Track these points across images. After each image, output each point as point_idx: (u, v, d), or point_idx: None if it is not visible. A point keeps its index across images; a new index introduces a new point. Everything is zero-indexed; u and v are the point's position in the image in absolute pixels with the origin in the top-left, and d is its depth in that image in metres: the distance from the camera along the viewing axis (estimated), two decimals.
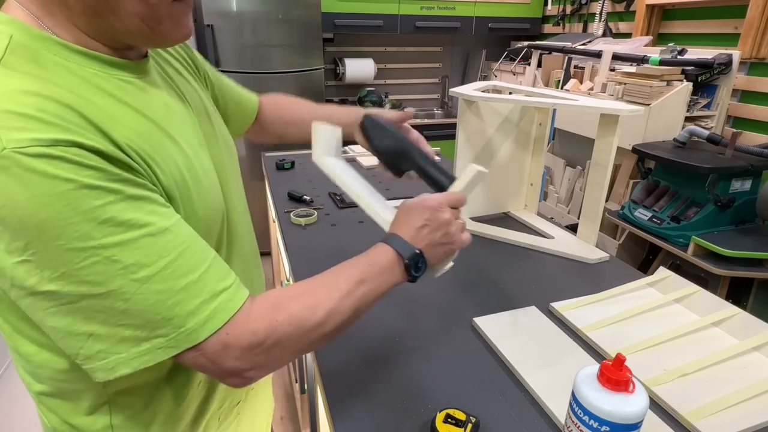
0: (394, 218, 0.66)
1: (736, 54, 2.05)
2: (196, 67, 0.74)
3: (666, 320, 0.91)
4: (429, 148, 0.80)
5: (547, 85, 2.94)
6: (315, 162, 0.83)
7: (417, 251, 0.60)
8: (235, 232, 0.66)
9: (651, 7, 2.50)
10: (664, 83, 2.08)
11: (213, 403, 0.67)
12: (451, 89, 1.29)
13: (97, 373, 0.45)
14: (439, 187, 0.72)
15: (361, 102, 3.45)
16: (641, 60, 2.26)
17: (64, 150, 0.39)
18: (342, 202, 1.47)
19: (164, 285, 0.44)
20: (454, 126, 2.03)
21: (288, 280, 1.01)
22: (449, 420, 0.64)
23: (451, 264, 0.68)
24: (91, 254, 0.40)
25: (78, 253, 0.40)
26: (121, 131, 0.45)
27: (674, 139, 2.03)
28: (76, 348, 0.44)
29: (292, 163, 1.90)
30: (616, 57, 2.38)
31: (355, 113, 0.85)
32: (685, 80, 2.09)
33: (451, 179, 0.71)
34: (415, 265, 0.60)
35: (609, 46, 2.50)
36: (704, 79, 2.08)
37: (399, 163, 0.78)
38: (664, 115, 2.08)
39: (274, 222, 1.54)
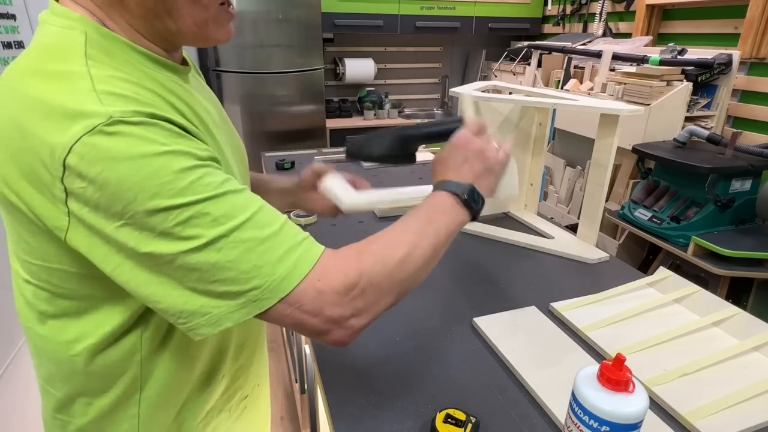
0: (433, 171, 0.67)
1: (736, 54, 2.05)
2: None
3: (666, 320, 0.91)
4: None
5: (547, 85, 2.94)
6: (350, 210, 0.81)
7: (469, 186, 0.62)
8: None
9: (651, 7, 2.50)
10: (664, 83, 2.08)
11: (226, 395, 0.69)
12: (451, 89, 1.29)
13: (201, 328, 0.47)
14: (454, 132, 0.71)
15: (361, 102, 3.45)
16: (641, 60, 2.26)
17: (159, 122, 0.45)
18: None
19: (251, 234, 0.46)
20: None
21: None
22: (449, 420, 0.64)
23: (516, 190, 0.69)
24: (184, 210, 0.44)
25: (173, 210, 0.43)
26: (191, 120, 0.51)
27: (674, 139, 2.03)
28: (179, 306, 0.46)
29: (292, 163, 1.90)
30: (616, 57, 2.38)
31: (294, 178, 0.87)
32: (685, 80, 2.09)
33: (459, 119, 0.71)
34: (472, 198, 0.61)
35: (609, 46, 2.50)
36: (704, 79, 2.08)
37: (407, 149, 0.77)
38: (664, 115, 2.08)
39: None
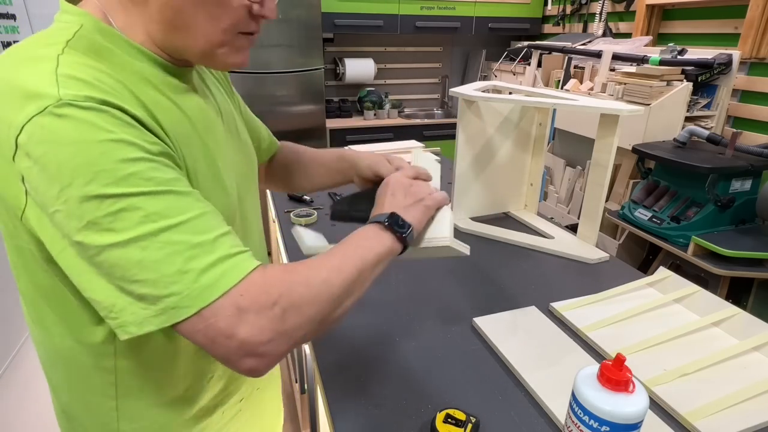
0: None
1: (736, 54, 2.05)
2: (231, 89, 0.80)
3: (666, 320, 0.91)
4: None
5: (547, 85, 2.94)
6: (310, 253, 0.77)
7: (391, 212, 0.62)
8: (248, 238, 0.68)
9: (651, 7, 2.50)
10: (664, 83, 2.08)
11: (217, 397, 0.67)
12: (451, 89, 1.29)
13: (129, 327, 0.45)
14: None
15: (361, 102, 3.45)
16: (641, 60, 2.26)
17: (111, 110, 0.44)
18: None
19: (181, 237, 0.44)
20: (454, 126, 2.03)
21: None
22: (449, 420, 0.64)
23: (466, 248, 0.68)
24: (116, 200, 0.43)
25: (105, 199, 0.42)
26: (161, 116, 0.50)
27: (674, 139, 2.03)
28: (108, 300, 0.45)
29: None
30: (616, 57, 2.38)
31: (345, 163, 0.88)
32: (685, 80, 2.09)
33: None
34: (395, 223, 0.61)
35: (609, 46, 2.50)
36: (704, 79, 2.08)
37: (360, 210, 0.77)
38: (664, 115, 2.08)
39: (274, 222, 1.54)
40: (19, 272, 0.54)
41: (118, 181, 0.43)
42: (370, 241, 0.58)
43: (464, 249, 0.68)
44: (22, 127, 0.42)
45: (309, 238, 0.78)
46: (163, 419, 0.62)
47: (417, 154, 0.87)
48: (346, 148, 2.10)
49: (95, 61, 0.48)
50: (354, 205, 0.78)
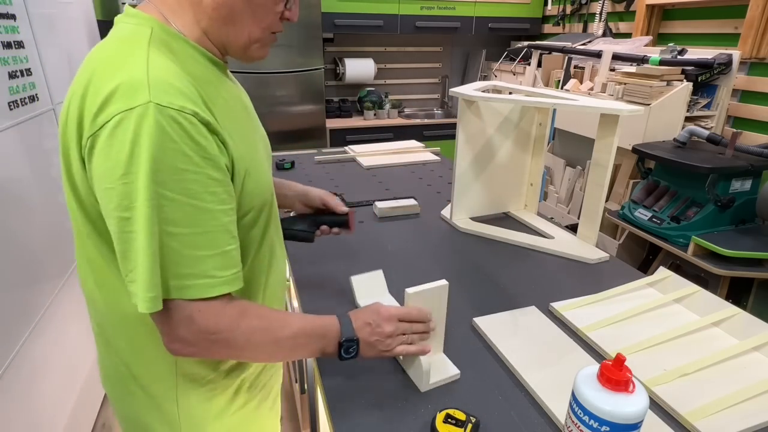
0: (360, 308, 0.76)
1: (736, 54, 2.05)
2: None
3: (666, 320, 0.91)
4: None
5: (547, 85, 2.94)
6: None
7: (355, 338, 0.68)
8: (274, 213, 0.78)
9: (651, 7, 2.50)
10: (664, 83, 2.08)
11: (252, 375, 0.77)
12: (451, 89, 1.29)
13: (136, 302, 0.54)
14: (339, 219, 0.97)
15: (361, 102, 3.45)
16: (641, 60, 2.26)
17: (186, 116, 0.53)
18: (342, 201, 1.47)
19: (178, 245, 0.54)
20: (454, 126, 2.03)
21: (288, 280, 1.02)
22: (449, 420, 0.64)
23: (423, 383, 0.73)
24: (149, 197, 0.51)
25: (143, 191, 0.51)
26: (217, 111, 0.58)
27: (674, 139, 2.03)
28: (124, 273, 0.55)
29: (292, 163, 1.90)
30: (616, 57, 2.38)
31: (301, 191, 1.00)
32: (685, 80, 2.08)
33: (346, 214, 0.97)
34: (347, 348, 0.67)
35: (609, 46, 2.50)
36: (704, 79, 2.08)
37: (313, 230, 0.97)
38: (664, 115, 2.08)
39: None
40: (91, 239, 0.61)
41: (161, 181, 0.51)
42: (320, 340, 0.67)
43: (422, 383, 0.73)
44: (117, 115, 0.50)
45: (360, 292, 0.96)
46: (214, 383, 0.71)
47: (411, 297, 0.75)
48: (346, 147, 2.11)
49: (174, 61, 0.56)
50: (295, 225, 0.96)
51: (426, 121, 3.45)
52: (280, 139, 2.97)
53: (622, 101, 2.14)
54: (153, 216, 0.52)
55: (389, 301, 0.94)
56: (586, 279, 1.07)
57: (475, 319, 0.89)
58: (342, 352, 0.67)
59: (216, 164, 0.56)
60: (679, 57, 2.15)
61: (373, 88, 3.52)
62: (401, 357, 0.77)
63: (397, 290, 0.97)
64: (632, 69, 2.24)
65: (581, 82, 2.60)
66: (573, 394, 0.56)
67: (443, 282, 0.73)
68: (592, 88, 2.48)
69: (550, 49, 2.89)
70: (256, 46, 0.65)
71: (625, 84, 2.21)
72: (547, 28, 3.44)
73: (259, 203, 0.68)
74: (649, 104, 2.06)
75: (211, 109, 0.57)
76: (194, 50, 0.61)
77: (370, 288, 0.96)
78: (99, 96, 0.52)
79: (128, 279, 0.54)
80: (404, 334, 0.71)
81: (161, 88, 0.52)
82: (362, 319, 0.69)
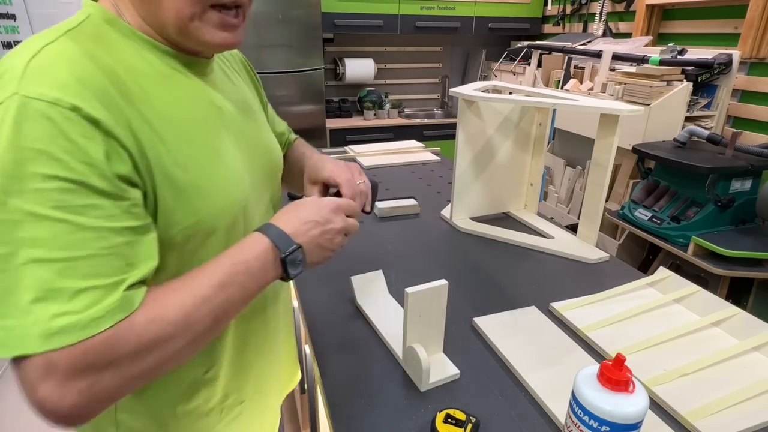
0: (279, 210, 0.61)
1: (736, 54, 2.05)
2: (256, 83, 0.80)
3: (666, 320, 0.91)
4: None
5: (547, 85, 2.94)
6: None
7: (297, 245, 0.55)
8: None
9: (651, 7, 2.50)
10: (664, 83, 2.08)
11: (217, 395, 0.66)
12: (451, 89, 1.29)
13: None
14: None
15: (361, 102, 3.45)
16: (641, 60, 2.26)
17: (61, 111, 0.42)
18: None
19: (43, 274, 0.41)
20: (454, 126, 2.03)
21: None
22: (449, 420, 0.64)
23: (423, 382, 0.72)
24: (5, 210, 0.41)
25: (1, 203, 0.41)
26: (143, 108, 0.49)
27: (674, 139, 2.03)
28: None
29: None
30: (616, 57, 2.38)
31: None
32: (685, 80, 2.09)
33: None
34: (293, 261, 0.55)
35: (609, 46, 2.50)
36: (704, 79, 2.08)
37: None
38: (664, 115, 2.08)
39: None
40: None
41: (18, 191, 0.40)
42: (250, 276, 0.52)
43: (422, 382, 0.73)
44: None
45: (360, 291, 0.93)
46: (161, 414, 0.62)
47: (411, 297, 0.72)
48: (346, 147, 2.11)
49: (88, 51, 0.47)
50: None
51: (426, 121, 3.45)
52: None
53: (622, 101, 2.14)
54: (12, 238, 0.40)
55: (389, 301, 0.94)
56: (586, 279, 1.07)
57: (475, 319, 0.89)
58: (288, 270, 0.54)
59: (101, 172, 0.44)
60: (679, 57, 2.15)
61: (373, 88, 3.52)
62: (401, 357, 0.77)
63: (397, 290, 0.97)
64: (632, 69, 2.24)
65: (581, 82, 2.60)
66: (573, 394, 0.56)
67: (443, 282, 0.73)
68: (592, 88, 2.48)
69: (550, 49, 2.89)
70: (195, 26, 0.52)
71: (625, 84, 2.21)
72: (547, 28, 3.44)
73: (223, 224, 0.57)
74: (649, 104, 2.06)
75: (129, 110, 0.48)
76: (142, 42, 0.52)
77: (370, 288, 0.96)
78: None
79: None
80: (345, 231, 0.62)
81: (35, 78, 0.43)
82: (299, 218, 0.58)
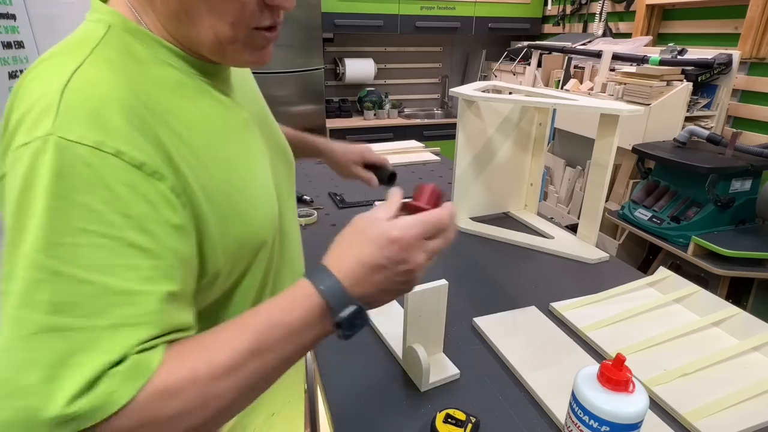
0: (338, 239, 0.47)
1: (736, 54, 2.05)
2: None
3: (666, 320, 0.91)
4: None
5: (547, 85, 2.94)
6: None
7: (356, 307, 0.43)
8: (287, 245, 0.64)
9: (651, 7, 2.50)
10: (664, 83, 2.08)
11: (258, 415, 0.64)
12: (451, 89, 1.29)
13: None
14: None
15: (361, 102, 3.45)
16: (641, 60, 2.26)
17: (104, 156, 0.38)
18: (342, 201, 1.47)
19: (68, 345, 0.35)
20: (454, 126, 2.03)
21: None
22: (449, 420, 0.64)
23: (423, 383, 0.72)
24: (30, 269, 0.36)
25: (23, 261, 0.36)
26: (176, 126, 0.45)
27: (674, 139, 2.03)
28: None
29: None
30: (616, 57, 2.38)
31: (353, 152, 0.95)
32: (685, 80, 2.09)
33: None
34: (350, 323, 0.43)
35: (609, 46, 2.50)
36: (704, 79, 2.08)
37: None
38: (664, 115, 2.08)
39: None
40: None
41: (55, 246, 0.36)
42: (292, 338, 0.42)
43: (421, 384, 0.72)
44: (15, 151, 0.38)
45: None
46: None
47: (411, 297, 0.69)
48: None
49: (123, 66, 0.44)
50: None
51: (426, 121, 3.45)
52: None
53: (622, 101, 2.14)
54: (31, 299, 0.35)
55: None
56: (586, 279, 1.07)
57: (475, 319, 0.89)
58: (344, 332, 0.44)
59: (141, 227, 0.39)
60: (679, 57, 2.15)
61: (373, 88, 3.52)
62: (401, 357, 0.77)
63: None
64: (632, 69, 2.24)
65: (581, 82, 2.60)
66: (573, 394, 0.56)
67: (443, 282, 0.73)
68: (592, 88, 2.48)
69: (550, 49, 2.89)
70: (234, 48, 0.48)
71: (625, 84, 2.21)
72: (547, 28, 3.44)
73: (256, 245, 0.52)
74: (649, 104, 2.06)
75: (167, 138, 0.43)
76: (165, 50, 0.48)
77: None
78: (10, 123, 0.40)
79: None
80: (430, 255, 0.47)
81: (73, 114, 0.38)
82: (362, 261, 0.43)
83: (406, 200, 0.49)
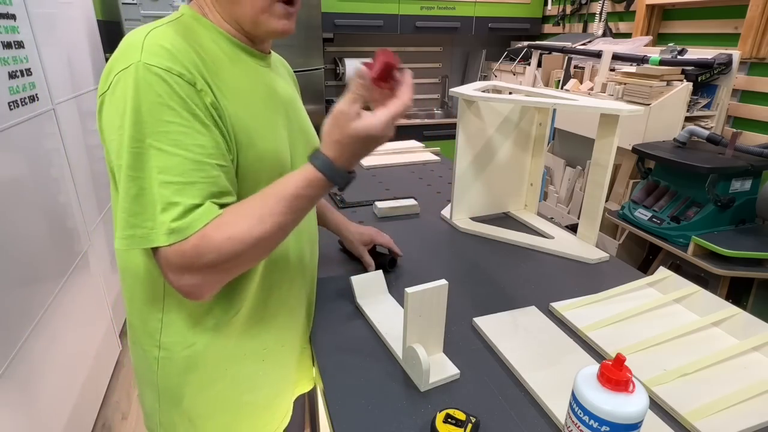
0: (327, 126, 0.62)
1: (736, 54, 2.05)
2: (300, 94, 0.92)
3: (666, 320, 0.91)
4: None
5: (547, 85, 2.94)
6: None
7: (348, 173, 0.62)
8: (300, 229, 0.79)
9: (651, 7, 2.50)
10: (664, 83, 2.08)
11: (245, 336, 0.76)
12: (451, 89, 1.29)
13: (117, 240, 0.59)
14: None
15: None
16: (641, 60, 2.26)
17: (171, 76, 0.58)
18: (342, 202, 1.47)
19: (166, 192, 0.57)
20: (454, 126, 2.03)
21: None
22: (449, 420, 0.64)
23: (424, 383, 0.74)
24: (132, 145, 0.57)
25: (127, 140, 0.57)
26: (220, 82, 0.64)
27: (674, 139, 2.03)
28: (115, 214, 0.60)
29: None
30: (616, 57, 2.38)
31: (365, 235, 1.09)
32: (685, 80, 2.09)
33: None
34: (344, 185, 0.63)
35: (609, 46, 2.50)
36: (704, 79, 2.08)
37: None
38: (664, 115, 2.08)
39: None
40: (114, 191, 0.66)
41: (151, 132, 0.57)
42: (309, 202, 0.62)
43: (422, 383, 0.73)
44: (116, 75, 0.58)
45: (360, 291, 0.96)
46: (195, 342, 0.72)
47: (411, 297, 0.72)
48: None
49: (182, 35, 0.63)
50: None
51: (426, 121, 3.45)
52: None
53: (622, 101, 2.14)
54: (134, 163, 0.56)
55: (389, 301, 0.94)
56: (586, 279, 1.07)
57: (475, 319, 0.89)
58: (339, 194, 0.66)
59: (202, 121, 0.60)
60: (679, 57, 2.15)
61: None
62: (401, 357, 0.77)
63: (397, 290, 0.97)
64: (632, 69, 2.24)
65: (581, 82, 2.60)
66: (573, 394, 0.56)
67: (443, 282, 0.73)
68: (592, 88, 2.48)
69: (550, 49, 2.89)
70: (265, 18, 0.67)
71: (625, 84, 2.21)
72: (547, 28, 3.44)
73: (266, 178, 0.65)
74: (649, 104, 2.06)
75: (209, 78, 0.62)
76: (218, 34, 0.68)
77: (370, 288, 0.96)
78: (112, 60, 0.61)
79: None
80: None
81: (152, 50, 0.58)
82: (347, 147, 0.60)
83: (366, 62, 0.62)
